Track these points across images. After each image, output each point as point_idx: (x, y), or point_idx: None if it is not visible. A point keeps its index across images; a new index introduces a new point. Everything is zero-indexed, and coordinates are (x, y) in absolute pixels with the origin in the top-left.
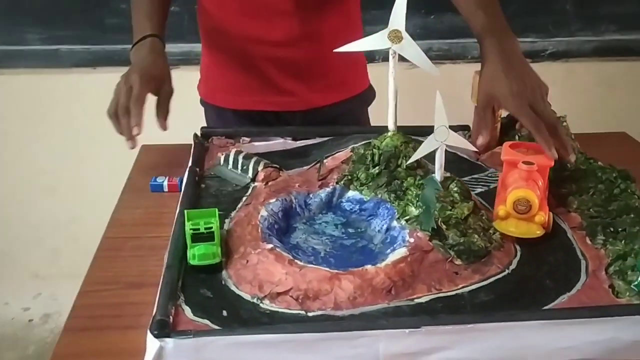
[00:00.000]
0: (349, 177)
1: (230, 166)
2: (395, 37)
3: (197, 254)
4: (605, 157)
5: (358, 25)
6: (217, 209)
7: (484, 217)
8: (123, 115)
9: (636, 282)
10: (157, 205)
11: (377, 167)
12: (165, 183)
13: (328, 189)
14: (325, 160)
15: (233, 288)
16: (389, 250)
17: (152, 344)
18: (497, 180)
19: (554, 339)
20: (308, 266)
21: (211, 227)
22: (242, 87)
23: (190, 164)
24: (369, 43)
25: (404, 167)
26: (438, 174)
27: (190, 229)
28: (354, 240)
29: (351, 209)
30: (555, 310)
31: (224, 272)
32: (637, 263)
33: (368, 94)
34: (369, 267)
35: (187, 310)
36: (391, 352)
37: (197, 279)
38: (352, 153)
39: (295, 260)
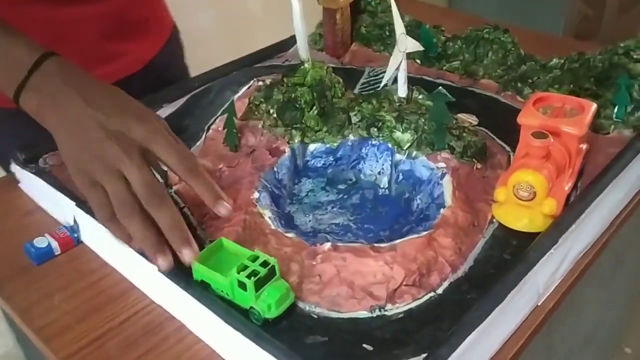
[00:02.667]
0: (299, 130)
1: None
2: None
3: (272, 302)
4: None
5: None
6: (221, 238)
7: None
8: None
9: (616, 112)
10: (73, 276)
11: (314, 107)
12: (55, 244)
13: (286, 154)
14: (214, 127)
15: (336, 315)
16: (424, 186)
17: None
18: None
19: (623, 188)
20: (396, 243)
21: (269, 263)
22: None
23: (70, 201)
24: None
25: (339, 96)
26: (403, 88)
27: (248, 277)
28: (358, 194)
29: (324, 165)
30: (617, 162)
31: (302, 305)
32: (611, 98)
33: (175, 29)
34: (442, 211)
35: None
36: (546, 279)
37: (283, 331)
38: (251, 104)
39: (376, 245)
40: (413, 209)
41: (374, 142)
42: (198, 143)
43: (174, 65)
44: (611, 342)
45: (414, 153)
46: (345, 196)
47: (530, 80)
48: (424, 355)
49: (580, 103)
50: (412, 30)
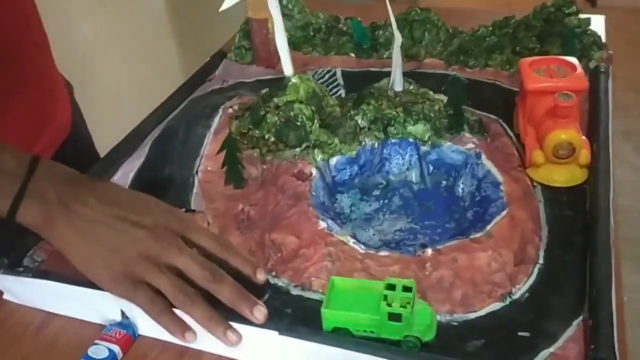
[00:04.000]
0: (317, 147)
1: None
2: None
3: (428, 324)
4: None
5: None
6: (333, 277)
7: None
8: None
9: None
10: None
11: (314, 121)
12: (116, 348)
13: (316, 177)
14: (202, 168)
15: (474, 315)
16: (462, 170)
17: None
18: (330, 74)
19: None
20: (488, 229)
21: (409, 286)
22: None
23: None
24: None
25: (331, 104)
26: (399, 82)
27: (403, 304)
28: (396, 195)
29: (350, 175)
30: (601, 106)
31: (439, 317)
32: (559, 52)
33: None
34: (502, 187)
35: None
36: (612, 218)
37: (439, 348)
38: (233, 134)
39: (472, 237)
40: (458, 195)
41: (393, 141)
42: (195, 190)
43: (81, 124)
44: None
45: (437, 141)
46: (385, 201)
47: (470, 51)
48: (580, 318)
49: (563, 60)
50: (334, 26)
